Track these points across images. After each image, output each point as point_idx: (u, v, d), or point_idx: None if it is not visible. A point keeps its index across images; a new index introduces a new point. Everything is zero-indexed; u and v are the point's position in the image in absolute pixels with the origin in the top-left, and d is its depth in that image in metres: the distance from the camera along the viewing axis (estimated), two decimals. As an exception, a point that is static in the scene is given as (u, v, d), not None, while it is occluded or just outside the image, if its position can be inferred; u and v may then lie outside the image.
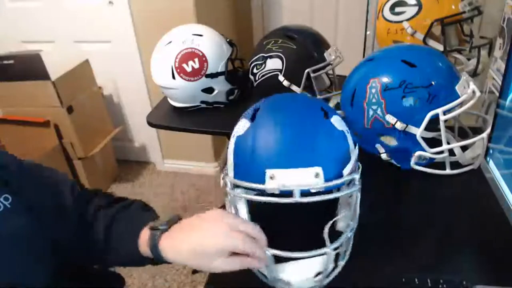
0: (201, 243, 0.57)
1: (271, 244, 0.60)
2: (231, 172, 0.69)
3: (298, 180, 0.61)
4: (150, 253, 0.62)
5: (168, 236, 0.61)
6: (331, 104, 1.27)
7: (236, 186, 0.67)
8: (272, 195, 0.62)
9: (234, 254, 0.58)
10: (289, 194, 0.60)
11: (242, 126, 0.69)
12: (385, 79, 0.86)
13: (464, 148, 0.93)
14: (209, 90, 1.40)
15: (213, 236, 0.57)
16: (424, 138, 0.87)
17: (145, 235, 0.63)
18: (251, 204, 0.69)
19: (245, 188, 0.65)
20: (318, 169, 0.61)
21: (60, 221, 0.64)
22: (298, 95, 0.80)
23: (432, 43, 1.26)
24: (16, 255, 0.56)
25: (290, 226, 0.63)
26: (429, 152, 0.89)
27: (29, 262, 0.58)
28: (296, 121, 0.66)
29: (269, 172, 0.62)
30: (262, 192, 0.63)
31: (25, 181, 0.63)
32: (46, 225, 0.61)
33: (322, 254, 0.62)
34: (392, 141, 0.92)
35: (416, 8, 1.25)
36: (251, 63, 1.32)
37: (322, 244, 0.63)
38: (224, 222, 0.58)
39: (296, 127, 0.65)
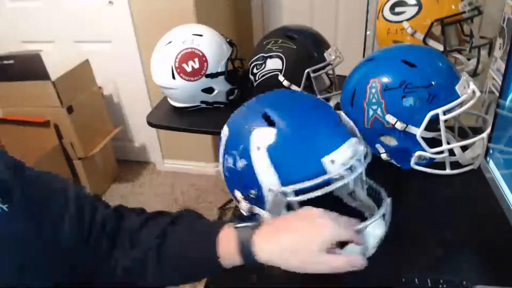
0: (308, 234, 0.54)
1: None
2: (274, 185, 0.65)
3: (351, 154, 0.65)
4: (238, 255, 0.55)
5: (260, 234, 0.55)
6: (331, 104, 1.27)
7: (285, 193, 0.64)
8: (337, 180, 0.63)
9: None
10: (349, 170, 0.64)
11: (264, 135, 0.65)
12: (385, 79, 0.86)
13: (464, 148, 0.93)
14: (209, 90, 1.40)
15: (320, 226, 0.54)
16: (424, 138, 0.87)
17: (227, 236, 0.56)
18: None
19: (300, 189, 0.63)
20: (354, 139, 0.67)
21: (61, 228, 0.59)
22: (283, 90, 0.81)
23: (432, 43, 1.26)
24: (15, 259, 0.55)
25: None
26: (429, 152, 0.89)
27: (28, 266, 0.56)
28: (318, 108, 0.71)
29: (327, 159, 0.63)
30: (327, 183, 0.63)
31: (25, 184, 0.59)
32: (46, 230, 0.58)
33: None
34: (392, 141, 0.92)
35: (416, 8, 1.25)
36: (251, 63, 1.32)
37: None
38: (323, 212, 0.56)
39: (323, 112, 0.70)
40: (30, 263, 0.56)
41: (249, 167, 0.66)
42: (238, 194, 0.71)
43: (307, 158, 0.64)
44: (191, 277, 0.63)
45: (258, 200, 0.68)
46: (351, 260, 0.55)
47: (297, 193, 0.63)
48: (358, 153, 0.65)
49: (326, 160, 0.63)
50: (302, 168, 0.64)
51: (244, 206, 0.70)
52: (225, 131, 0.73)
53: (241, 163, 0.67)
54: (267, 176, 0.65)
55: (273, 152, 0.64)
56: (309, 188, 0.62)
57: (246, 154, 0.66)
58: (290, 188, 0.63)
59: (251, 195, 0.68)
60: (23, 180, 0.58)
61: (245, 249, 0.55)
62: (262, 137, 0.65)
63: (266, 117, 0.67)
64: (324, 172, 0.63)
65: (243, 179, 0.68)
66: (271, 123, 0.66)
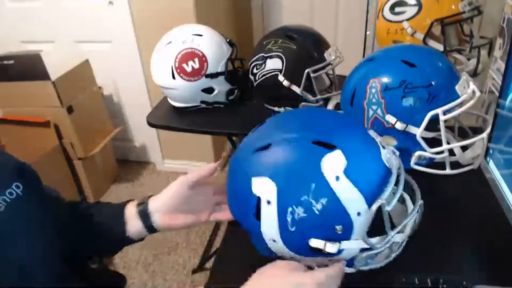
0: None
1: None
2: (361, 207, 0.59)
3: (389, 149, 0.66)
4: (137, 218, 0.71)
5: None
6: (331, 104, 1.27)
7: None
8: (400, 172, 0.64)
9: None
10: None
11: (334, 161, 0.58)
12: (385, 79, 0.86)
13: (464, 148, 0.93)
14: (209, 90, 1.40)
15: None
16: (424, 138, 0.87)
17: (130, 206, 0.74)
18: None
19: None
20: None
21: (59, 210, 0.69)
22: (298, 111, 0.78)
23: (432, 43, 1.26)
24: (28, 243, 0.58)
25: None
26: (429, 152, 0.89)
27: (40, 251, 0.59)
28: (345, 117, 0.74)
29: (384, 157, 0.62)
30: (397, 181, 0.63)
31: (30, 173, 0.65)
32: (51, 213, 0.63)
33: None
34: (392, 141, 0.92)
35: (416, 8, 1.25)
36: (251, 63, 1.32)
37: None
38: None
39: (352, 119, 0.70)
40: (44, 244, 0.60)
41: (332, 202, 0.58)
42: (317, 243, 0.61)
43: (376, 164, 0.61)
44: (101, 230, 0.72)
45: (345, 233, 0.61)
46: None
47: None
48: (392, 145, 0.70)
49: (384, 158, 0.62)
50: (377, 176, 0.61)
51: (333, 248, 0.60)
52: (265, 189, 0.60)
53: (319, 205, 0.58)
54: (354, 202, 0.59)
55: (351, 174, 0.58)
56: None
57: (324, 191, 0.58)
58: (383, 199, 0.59)
59: (338, 232, 0.60)
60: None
61: (143, 211, 0.72)
62: (334, 164, 0.58)
63: (319, 143, 0.59)
64: (390, 171, 0.62)
65: (324, 220, 0.59)
66: (330, 147, 0.59)
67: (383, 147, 0.65)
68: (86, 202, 0.82)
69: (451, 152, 0.92)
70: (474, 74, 1.22)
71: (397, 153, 0.68)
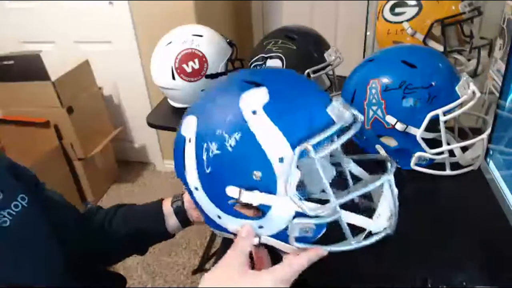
0: None
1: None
2: (284, 151, 0.52)
3: (343, 106, 0.57)
4: (171, 208, 0.76)
5: None
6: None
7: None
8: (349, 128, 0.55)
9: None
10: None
11: (255, 95, 0.53)
12: (385, 80, 0.86)
13: (464, 149, 0.93)
14: (209, 91, 1.39)
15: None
16: (424, 139, 0.87)
17: (166, 200, 0.78)
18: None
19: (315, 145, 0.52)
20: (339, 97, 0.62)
21: (65, 217, 0.69)
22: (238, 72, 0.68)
23: (432, 43, 1.26)
24: (32, 253, 0.57)
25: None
26: (429, 153, 0.89)
27: (43, 260, 0.58)
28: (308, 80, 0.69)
29: (331, 109, 0.55)
30: (342, 131, 0.54)
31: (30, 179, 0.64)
32: (56, 222, 0.63)
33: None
34: (392, 142, 0.92)
35: (416, 9, 1.25)
36: (251, 64, 1.32)
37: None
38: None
39: (313, 83, 0.64)
40: (47, 254, 0.59)
41: (247, 138, 0.52)
42: (233, 190, 0.54)
43: (312, 110, 0.54)
44: (142, 231, 0.75)
45: (266, 183, 0.53)
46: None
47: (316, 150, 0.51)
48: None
49: (331, 109, 0.55)
50: (312, 123, 0.53)
51: (251, 199, 0.53)
52: (189, 126, 0.57)
53: (233, 141, 0.52)
54: (273, 142, 0.52)
55: (272, 111, 0.52)
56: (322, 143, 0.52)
57: (238, 124, 0.52)
58: (309, 144, 0.51)
59: (255, 178, 0.53)
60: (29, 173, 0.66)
61: (176, 203, 0.77)
62: (253, 99, 0.53)
63: (249, 82, 0.55)
64: (332, 121, 0.54)
65: (239, 161, 0.53)
66: (257, 85, 0.54)
67: (337, 101, 0.57)
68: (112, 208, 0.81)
69: (451, 153, 0.92)
70: (474, 74, 1.22)
71: (358, 115, 0.57)
